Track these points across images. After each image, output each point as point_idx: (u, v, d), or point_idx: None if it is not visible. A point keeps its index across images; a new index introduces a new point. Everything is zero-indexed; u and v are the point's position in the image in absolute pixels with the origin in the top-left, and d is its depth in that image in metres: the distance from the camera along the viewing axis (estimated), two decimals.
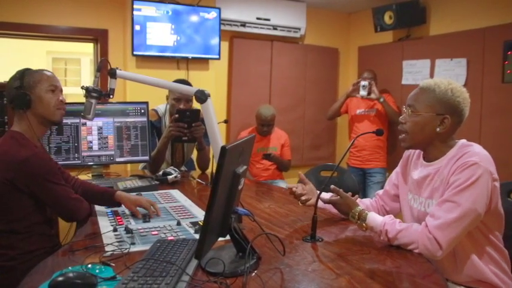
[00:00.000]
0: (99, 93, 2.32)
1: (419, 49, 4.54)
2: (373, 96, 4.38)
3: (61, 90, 2.02)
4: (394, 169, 2.06)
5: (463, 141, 1.76)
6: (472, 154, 1.64)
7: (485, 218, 1.64)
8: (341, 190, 1.93)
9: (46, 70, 2.02)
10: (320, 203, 1.96)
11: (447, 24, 4.30)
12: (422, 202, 1.80)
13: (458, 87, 1.72)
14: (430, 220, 1.62)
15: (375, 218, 1.74)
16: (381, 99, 4.35)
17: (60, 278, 1.22)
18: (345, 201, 1.89)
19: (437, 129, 1.71)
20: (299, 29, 5.09)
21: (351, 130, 4.79)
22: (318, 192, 2.09)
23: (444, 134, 1.73)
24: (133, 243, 1.62)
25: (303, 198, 2.04)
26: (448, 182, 1.65)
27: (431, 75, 4.35)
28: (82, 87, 2.32)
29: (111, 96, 2.38)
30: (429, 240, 1.58)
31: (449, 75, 4.14)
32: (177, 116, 2.81)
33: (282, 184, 4.13)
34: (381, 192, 2.11)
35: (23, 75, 1.92)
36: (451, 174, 1.65)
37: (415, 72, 4.60)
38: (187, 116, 2.82)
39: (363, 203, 2.08)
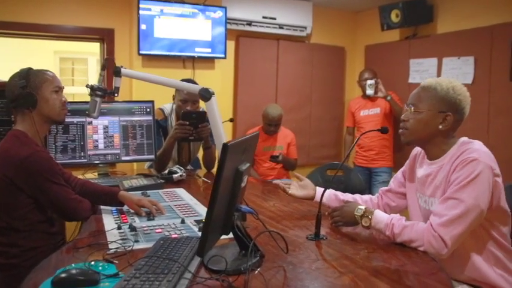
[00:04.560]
0: (104, 92, 2.33)
1: (427, 47, 4.51)
2: (380, 94, 4.36)
3: (62, 90, 2.04)
4: (401, 168, 2.06)
5: (464, 138, 1.76)
6: (471, 151, 1.64)
7: (488, 214, 1.63)
8: None
9: (48, 71, 2.04)
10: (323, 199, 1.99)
11: (454, 22, 4.27)
12: (426, 200, 1.81)
13: (459, 86, 1.74)
14: (434, 219, 1.61)
15: (381, 214, 1.74)
16: (388, 98, 4.34)
17: (63, 275, 1.22)
18: (350, 204, 1.89)
19: (440, 127, 1.73)
20: (305, 27, 5.08)
21: (357, 131, 4.77)
22: (319, 188, 2.12)
23: (446, 132, 1.74)
24: (137, 241, 1.62)
25: (291, 192, 2.14)
26: (449, 180, 1.65)
27: (439, 74, 4.33)
28: (87, 86, 2.33)
29: (116, 95, 2.39)
30: (434, 238, 1.57)
31: (457, 74, 4.11)
32: (181, 120, 2.81)
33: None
34: (385, 189, 2.11)
35: (28, 74, 1.93)
36: (452, 172, 1.65)
37: (422, 70, 4.57)
38: (193, 118, 2.82)
39: (361, 198, 2.09)
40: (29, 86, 1.90)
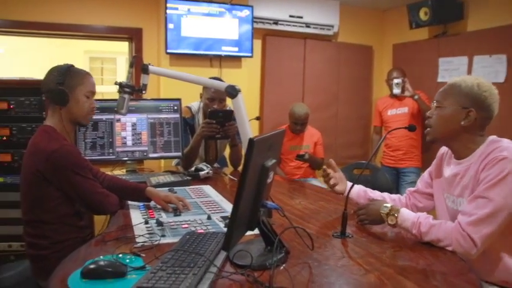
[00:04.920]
0: (132, 89, 2.36)
1: (457, 46, 4.42)
2: (407, 93, 4.30)
3: (94, 95, 2.08)
4: (428, 168, 2.03)
5: (493, 137, 1.72)
6: (501, 149, 1.61)
7: None
8: None
9: (88, 73, 2.07)
10: (352, 194, 1.98)
11: (486, 19, 4.17)
12: (454, 200, 1.78)
13: (485, 83, 1.71)
14: (463, 218, 1.58)
15: (408, 212, 1.71)
16: (416, 97, 4.27)
17: (92, 266, 1.25)
18: (376, 202, 1.87)
19: (462, 123, 1.70)
20: (332, 26, 5.05)
21: (384, 131, 4.71)
22: (349, 183, 2.10)
23: (470, 128, 1.71)
24: (163, 235, 1.64)
25: (332, 182, 2.10)
26: (478, 179, 1.62)
27: (469, 73, 4.23)
28: (115, 83, 2.38)
29: (144, 92, 2.43)
30: (463, 237, 1.54)
31: (488, 72, 4.02)
32: (208, 119, 2.83)
33: (315, 182, 4.10)
34: (412, 189, 2.08)
35: (68, 72, 1.96)
36: (480, 171, 1.62)
37: (452, 69, 4.48)
38: (220, 116, 2.83)
39: (390, 198, 2.06)
40: (65, 84, 1.94)
